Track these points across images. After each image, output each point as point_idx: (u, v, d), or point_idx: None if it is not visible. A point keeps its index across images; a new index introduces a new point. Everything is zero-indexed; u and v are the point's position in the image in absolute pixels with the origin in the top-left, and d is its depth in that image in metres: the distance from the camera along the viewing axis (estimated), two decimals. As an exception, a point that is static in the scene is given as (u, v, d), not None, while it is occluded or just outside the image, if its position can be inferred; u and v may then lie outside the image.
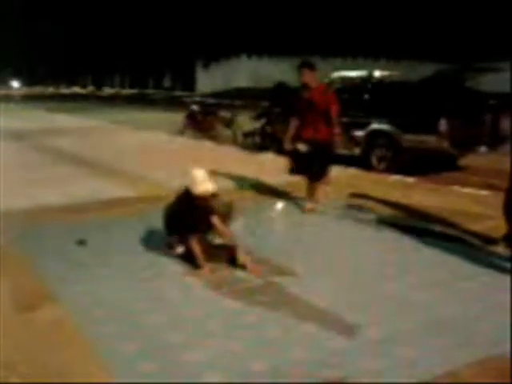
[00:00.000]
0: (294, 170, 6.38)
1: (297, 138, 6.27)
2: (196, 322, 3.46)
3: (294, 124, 6.31)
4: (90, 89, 73.37)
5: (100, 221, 5.88)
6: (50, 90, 75.91)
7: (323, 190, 6.55)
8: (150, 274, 4.31)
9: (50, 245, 5.09)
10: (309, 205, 6.30)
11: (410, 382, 2.77)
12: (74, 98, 47.64)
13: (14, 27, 73.89)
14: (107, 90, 66.90)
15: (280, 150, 8.19)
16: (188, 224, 4.41)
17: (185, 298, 3.86)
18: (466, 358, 2.99)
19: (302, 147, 6.17)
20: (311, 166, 6.18)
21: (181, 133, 15.20)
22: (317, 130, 6.16)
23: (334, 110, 6.17)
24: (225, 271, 4.34)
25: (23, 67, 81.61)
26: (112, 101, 39.50)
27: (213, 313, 3.60)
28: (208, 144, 13.16)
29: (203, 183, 4.34)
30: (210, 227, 4.51)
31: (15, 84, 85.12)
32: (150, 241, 5.12)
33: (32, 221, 5.89)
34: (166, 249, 4.75)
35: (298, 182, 6.68)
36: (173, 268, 4.42)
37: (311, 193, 6.38)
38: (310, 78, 6.16)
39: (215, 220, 4.43)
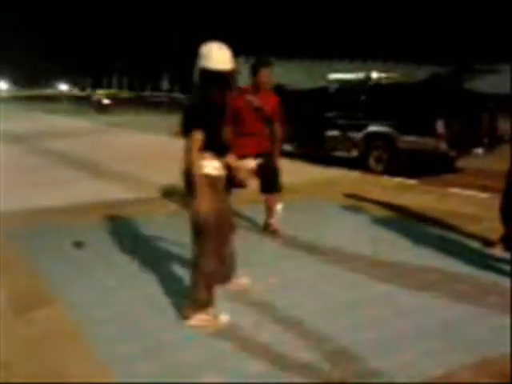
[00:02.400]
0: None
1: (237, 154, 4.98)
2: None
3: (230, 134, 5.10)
4: (88, 91, 73.44)
5: (99, 222, 5.89)
6: (49, 91, 75.92)
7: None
8: (149, 275, 4.33)
9: (49, 246, 5.10)
10: (274, 221, 5.45)
11: (409, 382, 2.80)
12: (71, 99, 47.59)
13: (14, 28, 73.86)
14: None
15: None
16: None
17: (184, 299, 3.87)
18: (463, 360, 3.00)
19: (250, 164, 5.06)
20: (263, 177, 5.24)
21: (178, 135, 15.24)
22: (261, 143, 5.16)
23: (281, 120, 5.26)
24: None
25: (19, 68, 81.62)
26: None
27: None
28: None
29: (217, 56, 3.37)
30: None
31: (63, 86, 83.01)
32: (150, 242, 5.14)
33: (31, 222, 5.90)
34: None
35: (299, 183, 6.70)
36: (172, 269, 4.44)
37: (270, 207, 5.43)
38: (268, 78, 5.06)
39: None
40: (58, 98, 46.78)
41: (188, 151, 3.34)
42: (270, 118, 5.16)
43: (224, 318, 3.46)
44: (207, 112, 3.33)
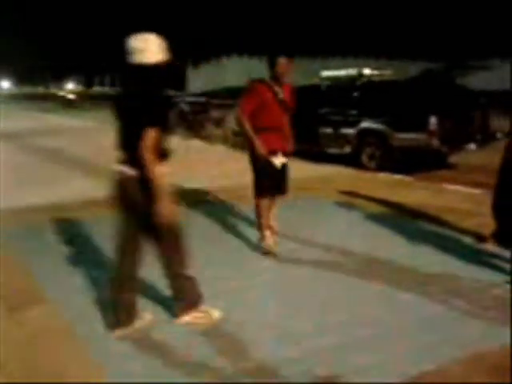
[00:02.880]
0: (263, 189, 4.89)
1: (266, 148, 4.77)
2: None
3: (249, 124, 4.77)
4: (81, 88, 73.31)
5: (90, 220, 5.85)
6: (40, 89, 75.57)
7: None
8: (142, 272, 4.30)
9: (40, 244, 5.08)
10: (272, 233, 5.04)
11: (404, 382, 2.80)
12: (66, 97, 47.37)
13: (14, 28, 73.33)
14: (97, 90, 66.77)
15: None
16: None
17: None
18: (457, 355, 3.01)
19: (278, 161, 4.85)
20: (280, 180, 4.94)
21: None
22: (286, 140, 4.90)
23: (291, 114, 5.02)
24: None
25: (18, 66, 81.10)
26: (103, 100, 39.38)
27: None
28: (198, 143, 13.14)
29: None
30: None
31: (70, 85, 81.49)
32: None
33: (22, 221, 5.87)
34: None
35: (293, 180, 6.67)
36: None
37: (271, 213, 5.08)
38: (286, 68, 4.72)
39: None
40: (62, 97, 46.86)
41: (125, 150, 3.17)
42: (291, 111, 4.95)
43: (216, 314, 3.46)
44: (162, 110, 3.16)
